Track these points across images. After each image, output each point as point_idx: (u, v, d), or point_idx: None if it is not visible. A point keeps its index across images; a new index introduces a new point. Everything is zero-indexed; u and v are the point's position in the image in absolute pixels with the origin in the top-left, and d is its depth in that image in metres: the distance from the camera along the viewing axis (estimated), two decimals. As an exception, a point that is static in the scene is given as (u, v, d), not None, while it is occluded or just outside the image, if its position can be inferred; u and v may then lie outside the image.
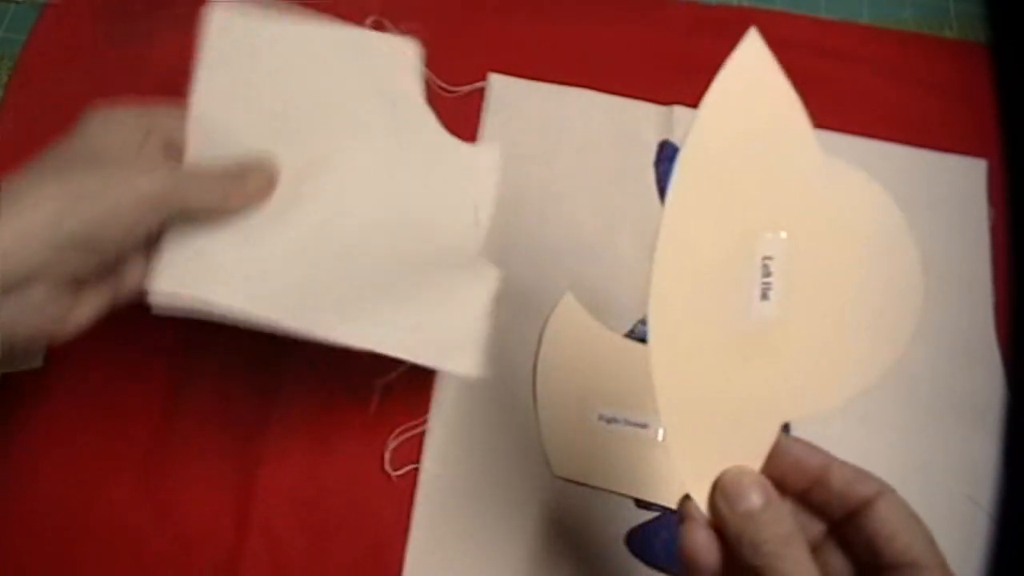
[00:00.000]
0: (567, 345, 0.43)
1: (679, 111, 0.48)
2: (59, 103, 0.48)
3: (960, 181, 0.48)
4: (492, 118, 0.48)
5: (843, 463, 0.29)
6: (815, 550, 0.28)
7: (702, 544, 0.26)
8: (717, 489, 0.27)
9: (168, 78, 0.49)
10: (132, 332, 0.42)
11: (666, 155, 0.47)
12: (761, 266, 0.27)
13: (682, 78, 0.50)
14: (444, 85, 0.49)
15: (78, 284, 0.31)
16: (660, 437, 0.41)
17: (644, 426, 0.41)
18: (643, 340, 0.43)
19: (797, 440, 0.28)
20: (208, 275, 0.33)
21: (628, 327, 0.44)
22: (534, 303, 0.44)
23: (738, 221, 0.27)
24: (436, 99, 0.49)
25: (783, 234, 0.27)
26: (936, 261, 0.46)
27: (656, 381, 0.27)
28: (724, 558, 0.26)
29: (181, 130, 0.35)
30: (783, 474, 0.28)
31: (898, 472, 0.41)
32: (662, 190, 0.47)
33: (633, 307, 0.44)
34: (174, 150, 0.34)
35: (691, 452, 0.28)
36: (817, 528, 0.28)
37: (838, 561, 0.28)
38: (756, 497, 0.26)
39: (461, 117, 0.48)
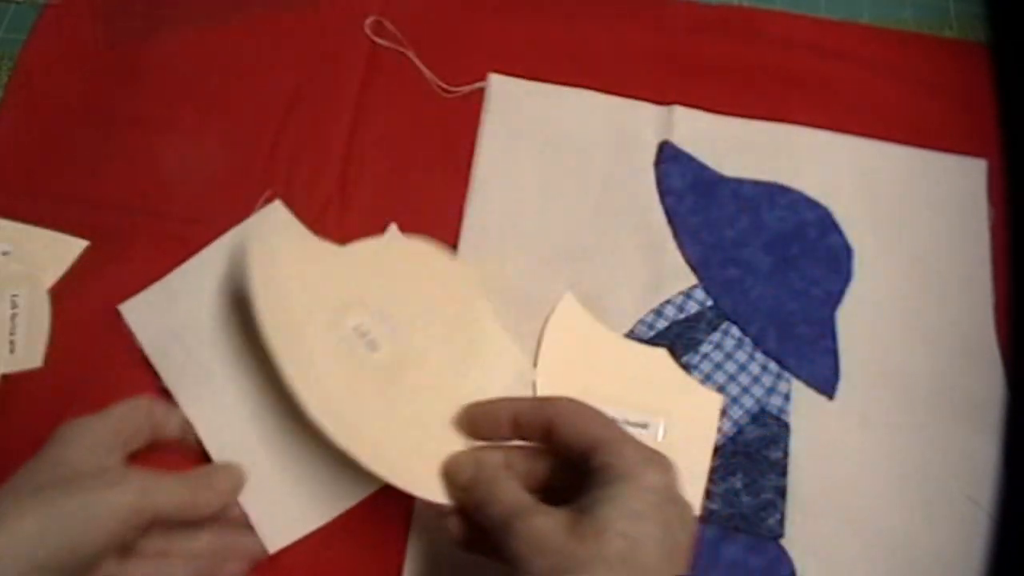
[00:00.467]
0: (567, 345, 0.43)
1: (679, 111, 0.48)
2: (59, 103, 0.48)
3: (960, 181, 0.48)
4: (492, 118, 0.48)
5: (521, 401, 0.36)
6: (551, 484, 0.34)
7: (453, 524, 0.35)
8: (444, 478, 0.35)
9: (168, 78, 0.49)
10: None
11: (666, 155, 0.47)
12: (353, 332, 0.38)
13: (682, 78, 0.50)
14: (444, 85, 0.49)
15: None
16: (660, 437, 0.41)
17: (644, 426, 0.41)
18: (643, 340, 0.43)
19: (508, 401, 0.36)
20: (304, 506, 0.38)
21: (628, 327, 0.44)
22: (534, 303, 0.44)
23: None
24: (436, 99, 0.49)
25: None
26: (936, 261, 0.46)
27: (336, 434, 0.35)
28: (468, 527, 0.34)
29: (147, 426, 0.37)
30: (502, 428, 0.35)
31: (898, 472, 0.41)
32: (662, 190, 0.47)
33: (633, 308, 0.44)
34: (145, 444, 0.37)
35: (407, 468, 0.35)
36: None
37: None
38: (468, 469, 0.34)
39: (461, 117, 0.48)
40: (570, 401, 0.34)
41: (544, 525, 0.30)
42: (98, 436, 0.35)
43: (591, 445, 0.32)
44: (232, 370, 0.40)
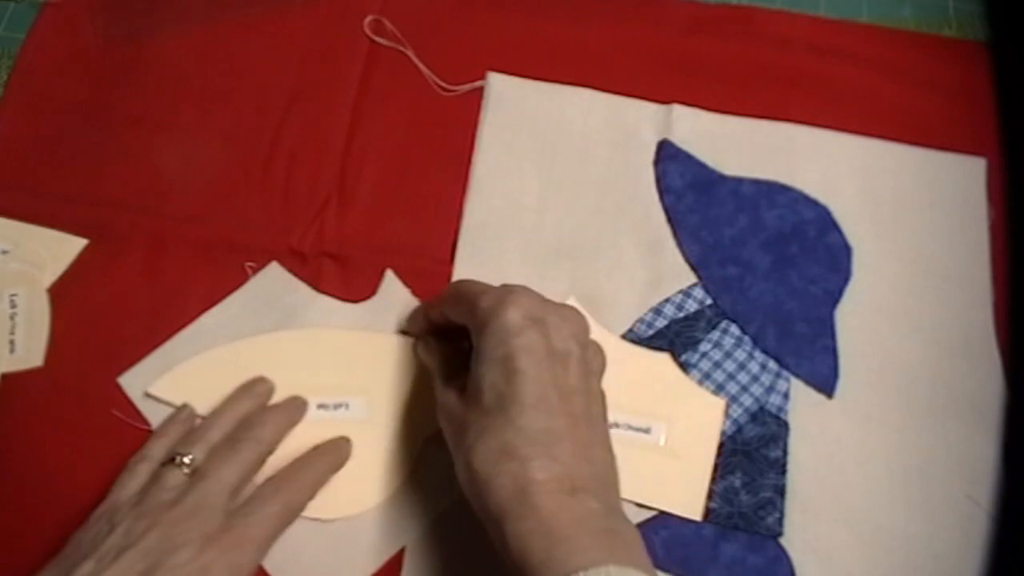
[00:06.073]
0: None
1: (678, 109, 0.48)
2: (59, 102, 0.48)
3: (959, 180, 0.48)
4: (491, 117, 0.48)
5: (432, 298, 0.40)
6: None
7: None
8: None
9: (168, 77, 0.49)
10: (132, 332, 0.43)
11: (665, 154, 0.47)
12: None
13: (682, 77, 0.50)
14: (443, 84, 0.49)
15: None
16: (662, 442, 0.41)
17: (646, 431, 0.41)
18: (642, 339, 0.43)
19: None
20: None
21: (627, 326, 0.44)
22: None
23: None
24: (435, 98, 0.49)
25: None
26: (936, 260, 0.46)
27: None
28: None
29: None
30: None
31: (898, 472, 0.41)
32: (661, 189, 0.47)
33: (633, 307, 0.44)
34: None
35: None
36: None
37: None
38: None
39: (460, 116, 0.48)
40: (458, 280, 0.37)
41: (446, 398, 0.35)
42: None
43: (464, 312, 0.35)
44: None
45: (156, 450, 0.38)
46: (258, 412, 0.40)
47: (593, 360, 0.35)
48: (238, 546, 0.34)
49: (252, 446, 0.37)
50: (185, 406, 0.40)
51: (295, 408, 0.40)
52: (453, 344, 0.38)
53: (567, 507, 0.30)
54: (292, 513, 0.37)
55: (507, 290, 0.34)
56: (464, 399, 0.34)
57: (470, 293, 0.35)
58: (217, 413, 0.39)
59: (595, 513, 0.30)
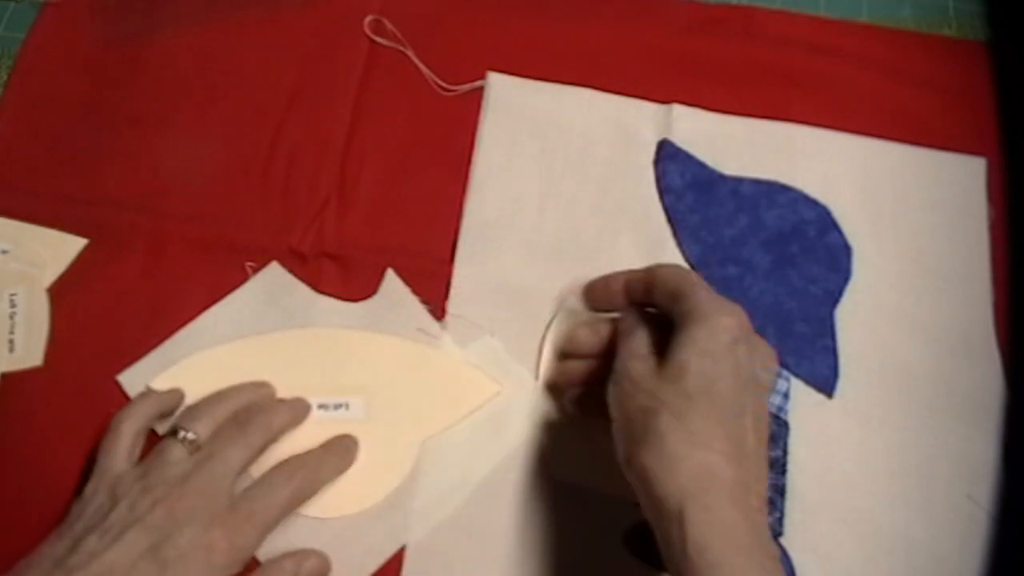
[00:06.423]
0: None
1: (678, 109, 0.48)
2: (59, 102, 0.48)
3: (959, 179, 0.48)
4: (491, 117, 0.48)
5: (631, 272, 0.40)
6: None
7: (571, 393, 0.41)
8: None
9: (168, 77, 0.49)
10: (131, 331, 0.43)
11: (665, 154, 0.47)
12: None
13: (682, 77, 0.50)
14: (443, 84, 0.49)
15: None
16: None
17: None
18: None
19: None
20: None
21: (627, 326, 0.44)
22: (533, 303, 0.44)
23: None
24: (435, 98, 0.49)
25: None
26: (935, 259, 0.46)
27: None
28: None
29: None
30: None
31: (898, 471, 0.41)
32: (661, 189, 0.47)
33: (633, 306, 0.44)
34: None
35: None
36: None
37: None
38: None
39: (460, 116, 0.48)
40: (667, 265, 0.38)
41: (638, 368, 0.35)
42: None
43: (674, 297, 0.35)
44: None
45: (142, 410, 0.38)
46: (266, 400, 0.40)
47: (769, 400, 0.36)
48: (243, 528, 0.34)
49: (262, 432, 0.38)
50: (176, 390, 0.40)
51: (300, 407, 0.41)
52: (654, 323, 0.38)
53: (749, 517, 0.30)
54: (299, 502, 0.37)
55: (723, 298, 0.35)
56: (658, 374, 0.34)
57: (687, 282, 0.36)
58: (222, 394, 0.39)
59: (767, 535, 0.31)
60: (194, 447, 0.37)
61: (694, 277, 0.36)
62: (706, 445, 0.31)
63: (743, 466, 0.31)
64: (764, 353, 0.35)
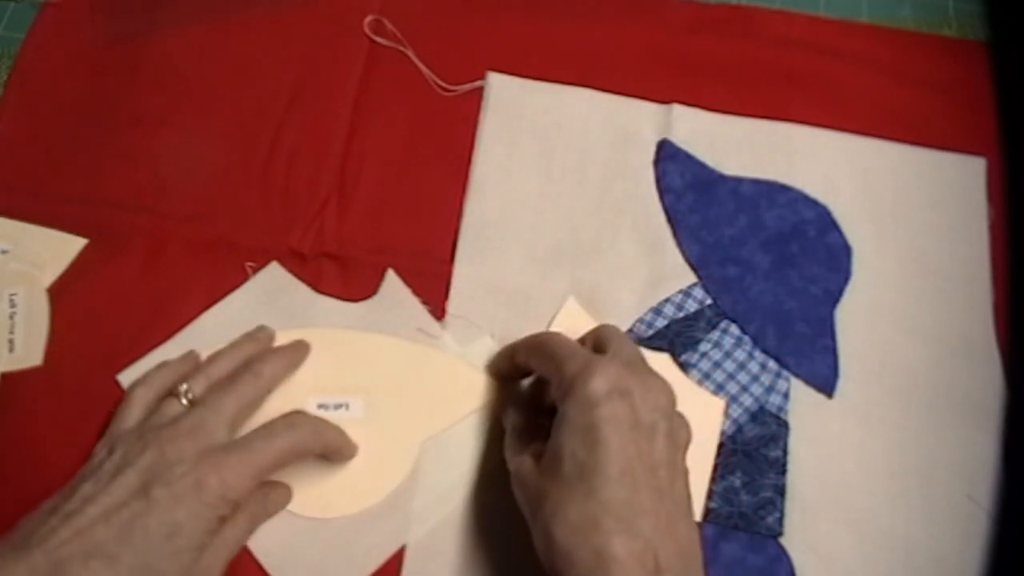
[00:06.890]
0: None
1: (678, 109, 0.48)
2: (59, 102, 0.48)
3: (959, 179, 0.48)
4: (491, 117, 0.48)
5: (519, 341, 0.40)
6: None
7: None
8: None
9: (168, 76, 0.49)
10: (131, 331, 0.43)
11: (665, 154, 0.47)
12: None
13: (682, 77, 0.50)
14: (443, 84, 0.49)
15: None
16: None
17: None
18: (642, 339, 0.43)
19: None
20: None
21: (627, 326, 0.44)
22: (532, 302, 0.44)
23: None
24: (435, 98, 0.49)
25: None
26: (935, 259, 0.46)
27: None
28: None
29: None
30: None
31: (898, 472, 0.41)
32: (661, 189, 0.47)
33: (633, 307, 0.44)
34: None
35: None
36: None
37: None
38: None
39: (460, 116, 0.48)
40: (543, 333, 0.37)
41: (521, 465, 0.34)
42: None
43: (552, 372, 0.35)
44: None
45: (156, 379, 0.39)
46: (260, 352, 0.40)
47: (678, 433, 0.34)
48: (236, 467, 0.34)
49: (250, 379, 0.38)
50: (191, 352, 0.41)
51: (296, 350, 0.41)
52: (529, 412, 0.38)
53: None
54: (296, 455, 0.36)
55: (594, 358, 0.34)
56: (540, 467, 0.33)
57: (557, 355, 0.35)
58: (219, 353, 0.40)
59: None
60: (192, 403, 0.37)
61: (566, 347, 0.35)
62: (593, 529, 0.30)
63: (641, 529, 0.30)
64: (655, 391, 0.33)
